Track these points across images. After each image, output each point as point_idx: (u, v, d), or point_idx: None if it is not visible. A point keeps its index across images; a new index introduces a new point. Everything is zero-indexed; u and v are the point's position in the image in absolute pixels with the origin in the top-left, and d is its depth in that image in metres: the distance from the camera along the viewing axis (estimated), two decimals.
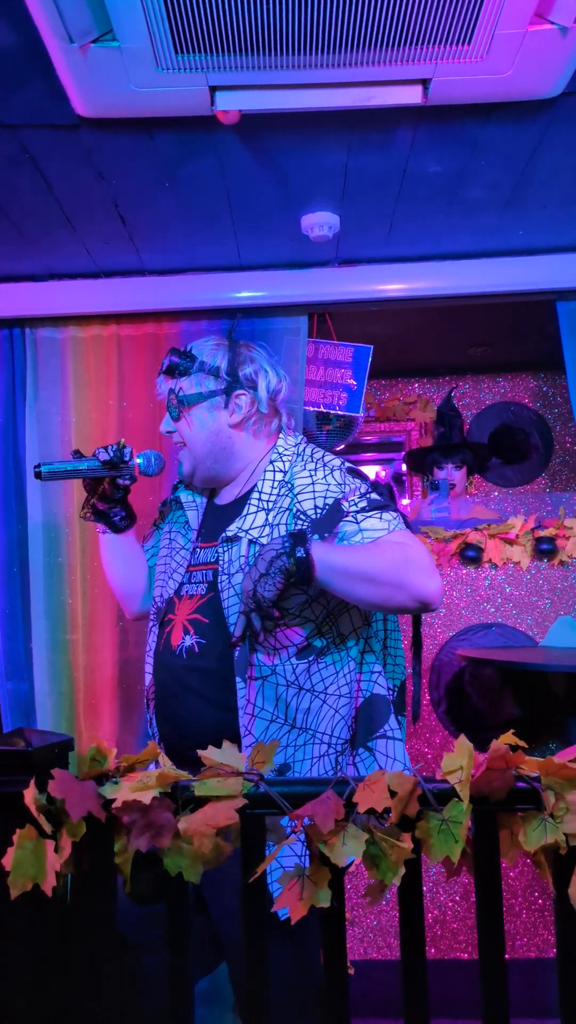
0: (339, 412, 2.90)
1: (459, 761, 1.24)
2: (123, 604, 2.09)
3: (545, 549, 2.82)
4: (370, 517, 1.67)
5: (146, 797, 1.21)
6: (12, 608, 2.85)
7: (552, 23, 1.61)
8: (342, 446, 3.24)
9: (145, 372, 2.88)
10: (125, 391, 2.88)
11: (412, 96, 1.79)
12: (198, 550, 1.83)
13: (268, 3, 1.52)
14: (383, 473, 5.63)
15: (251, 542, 1.69)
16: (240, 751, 1.29)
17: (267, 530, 1.69)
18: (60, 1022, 1.24)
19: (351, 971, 2.78)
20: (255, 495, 1.76)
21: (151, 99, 1.78)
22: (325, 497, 1.69)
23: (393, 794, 1.21)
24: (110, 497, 1.89)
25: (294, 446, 1.84)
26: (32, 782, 1.21)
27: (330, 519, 1.67)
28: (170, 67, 1.68)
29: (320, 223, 2.40)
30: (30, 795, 1.20)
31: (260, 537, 1.69)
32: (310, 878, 1.24)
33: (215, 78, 1.73)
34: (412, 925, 1.24)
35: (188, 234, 2.49)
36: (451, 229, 2.53)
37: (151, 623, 1.88)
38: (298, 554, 1.53)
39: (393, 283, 2.73)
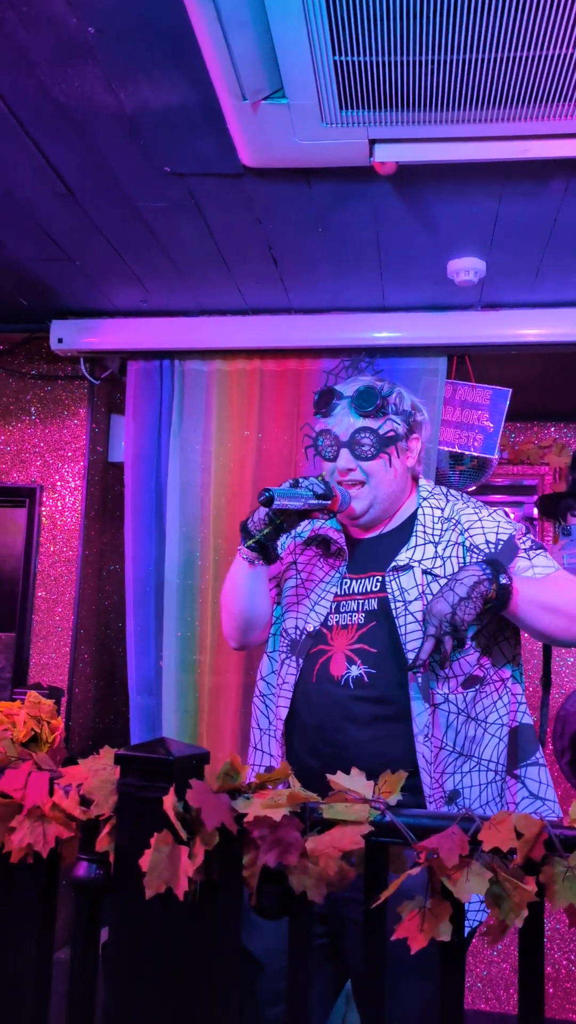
0: (475, 454, 2.92)
1: None
2: (239, 634, 2.02)
3: None
4: (540, 555, 1.80)
5: (277, 814, 1.26)
6: (146, 626, 2.98)
7: None
8: (474, 487, 3.24)
9: (285, 406, 2.98)
10: (264, 423, 2.98)
11: (567, 149, 1.82)
12: (347, 580, 1.86)
13: (429, 63, 1.59)
14: (512, 515, 5.57)
15: (425, 572, 1.76)
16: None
17: (438, 561, 1.79)
18: (179, 1019, 1.29)
19: None
20: (419, 528, 1.84)
21: (313, 151, 1.87)
22: (498, 533, 1.80)
23: (519, 835, 1.22)
24: (286, 528, 1.85)
25: (434, 487, 1.95)
26: (172, 790, 1.28)
27: (506, 553, 1.77)
28: (334, 122, 1.77)
29: (466, 268, 2.44)
30: (169, 802, 1.27)
31: (433, 568, 1.78)
32: (431, 911, 1.26)
33: (375, 132, 1.81)
34: (532, 968, 1.24)
35: (335, 276, 2.58)
36: None
37: (282, 655, 1.90)
38: (502, 580, 1.63)
39: (536, 328, 2.74)
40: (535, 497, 4.30)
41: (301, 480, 1.79)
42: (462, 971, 1.27)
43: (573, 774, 2.75)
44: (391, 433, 1.84)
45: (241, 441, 2.97)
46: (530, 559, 1.79)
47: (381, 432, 1.83)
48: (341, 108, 1.72)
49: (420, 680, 1.70)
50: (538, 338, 2.76)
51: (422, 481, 1.96)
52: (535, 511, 4.28)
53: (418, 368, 2.91)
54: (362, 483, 1.85)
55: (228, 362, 3.01)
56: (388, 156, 1.87)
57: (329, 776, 1.33)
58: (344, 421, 1.85)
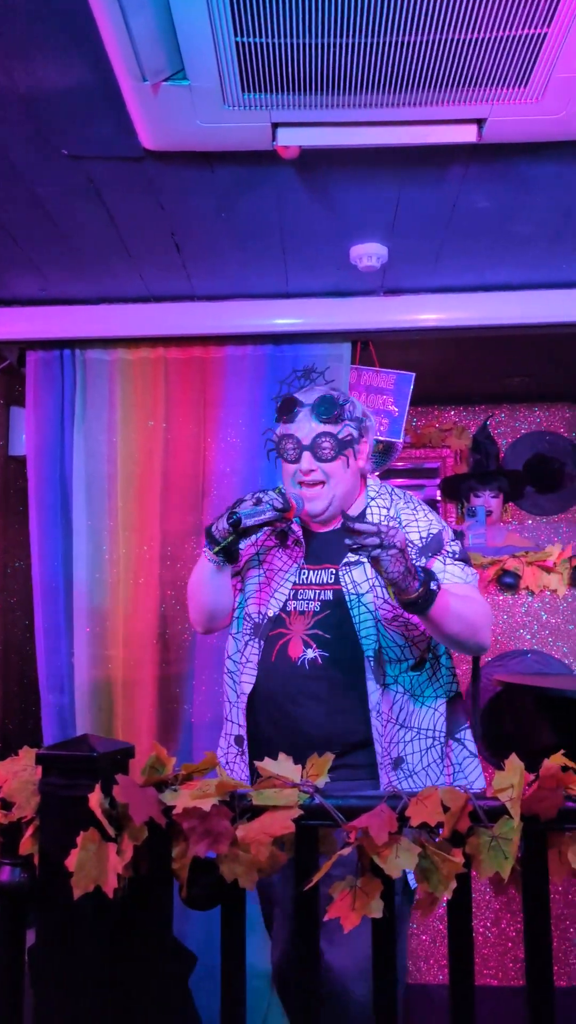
0: (380, 438, 2.95)
1: (510, 779, 1.27)
2: (206, 621, 2.19)
3: None
4: (457, 566, 1.98)
5: (206, 804, 1.25)
6: (55, 623, 2.91)
7: None
8: (379, 472, 3.29)
9: (190, 394, 2.95)
10: (170, 412, 2.95)
11: (467, 135, 1.85)
12: (304, 571, 2.05)
13: (332, 46, 1.59)
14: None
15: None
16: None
17: None
18: (113, 1019, 1.27)
19: None
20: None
21: (215, 134, 1.85)
22: (429, 529, 2.01)
23: (446, 809, 1.24)
24: (248, 536, 2.04)
25: (380, 486, 2.14)
26: (98, 787, 1.25)
27: (433, 546, 1.98)
28: (236, 104, 1.75)
29: (369, 254, 2.46)
30: (95, 799, 1.25)
31: None
32: (362, 889, 1.27)
33: (278, 115, 1.80)
34: (462, 936, 1.27)
35: (239, 262, 2.56)
36: (497, 262, 2.59)
37: (246, 637, 2.07)
38: (431, 586, 1.79)
39: (437, 313, 2.79)
40: (438, 480, 4.40)
41: (263, 496, 1.95)
42: (394, 946, 1.29)
43: (486, 747, 2.83)
44: (348, 437, 2.02)
45: (147, 431, 2.93)
46: (445, 564, 1.97)
47: (339, 436, 2.01)
48: (243, 91, 1.70)
49: (373, 663, 1.91)
50: (439, 323, 2.81)
51: (370, 480, 2.15)
52: (438, 493, 4.38)
53: (323, 354, 2.92)
54: (322, 483, 2.02)
55: (131, 351, 2.96)
56: (291, 140, 1.86)
57: (257, 763, 1.33)
58: (306, 426, 2.01)
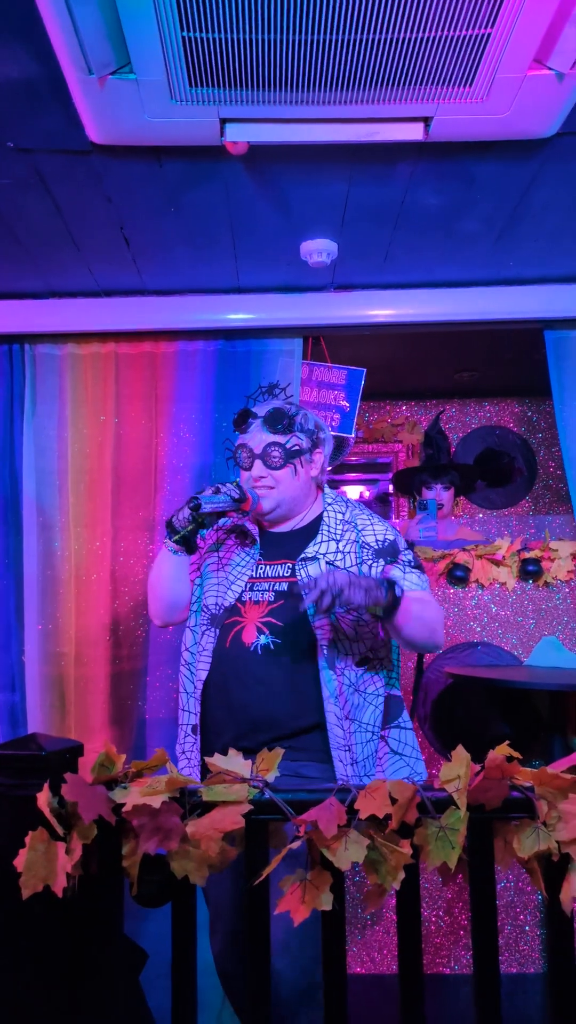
0: (332, 433, 2.96)
1: (457, 770, 1.29)
2: (165, 614, 2.28)
3: (531, 570, 2.89)
4: (414, 572, 2.12)
5: (156, 801, 1.25)
6: (5, 620, 2.88)
7: (550, 68, 1.70)
8: (331, 467, 3.30)
9: (142, 388, 2.94)
10: (121, 407, 2.93)
11: (414, 133, 1.87)
12: (261, 566, 2.15)
13: (279, 42, 1.59)
14: (367, 493, 5.70)
15: (328, 563, 2.08)
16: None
17: (339, 555, 2.10)
18: (65, 1018, 1.27)
19: None
20: (324, 528, 2.16)
21: (163, 129, 1.84)
22: (385, 534, 2.15)
23: (394, 801, 1.26)
24: (207, 526, 2.15)
25: (336, 497, 2.27)
26: (46, 785, 1.25)
27: (388, 551, 2.11)
28: (183, 99, 1.74)
29: (319, 250, 2.47)
30: (44, 798, 1.24)
31: (335, 560, 2.09)
32: (311, 882, 1.28)
33: (226, 111, 1.80)
34: (410, 926, 1.28)
35: (189, 257, 2.56)
36: (445, 259, 2.61)
37: (203, 627, 2.15)
38: (396, 592, 1.93)
39: (387, 309, 2.81)
40: (390, 474, 4.43)
41: (221, 487, 2.09)
42: (343, 938, 1.30)
43: (436, 739, 2.86)
44: (296, 447, 2.15)
45: (98, 426, 2.91)
46: (404, 572, 2.10)
47: (288, 446, 2.14)
48: (191, 85, 1.70)
49: (327, 653, 2.00)
50: (389, 319, 2.83)
51: (327, 489, 2.29)
52: (390, 487, 4.41)
53: (274, 350, 2.93)
54: (272, 488, 2.14)
55: (81, 345, 2.94)
56: (239, 136, 1.86)
57: (207, 759, 1.33)
58: (257, 437, 2.16)
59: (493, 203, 2.27)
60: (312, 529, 2.19)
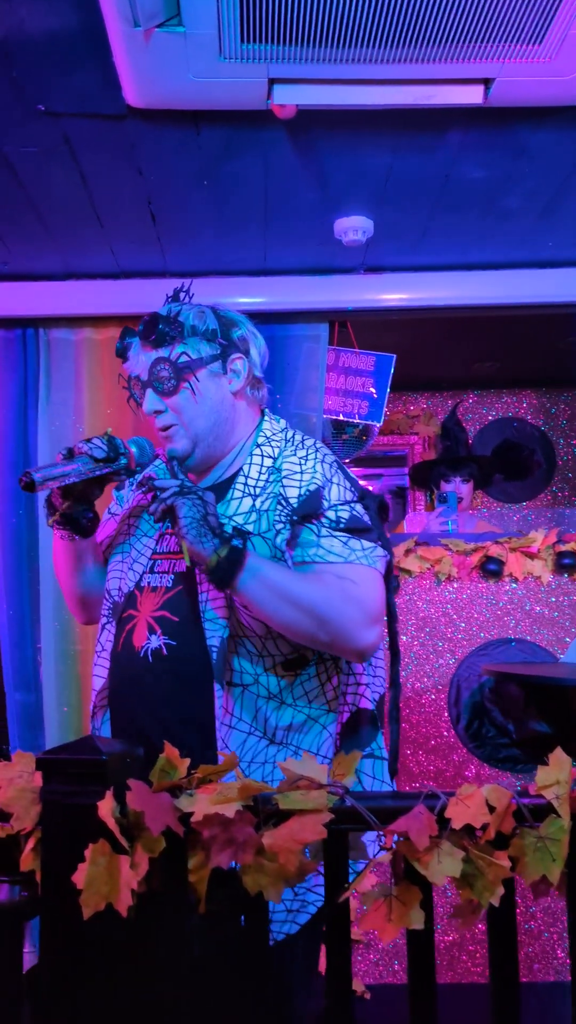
0: (359, 421, 2.86)
1: (555, 775, 1.19)
2: (81, 610, 1.78)
3: (567, 564, 2.79)
4: (335, 538, 1.48)
5: (229, 810, 1.14)
6: (20, 616, 2.76)
7: None
8: (350, 458, 3.20)
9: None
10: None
11: (473, 96, 1.77)
12: (164, 536, 1.61)
13: None
14: (371, 489, 5.61)
15: (236, 529, 1.49)
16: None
17: (253, 516, 1.52)
18: None
19: (367, 995, 2.70)
20: (240, 479, 1.57)
21: (207, 90, 1.73)
22: (312, 481, 1.51)
23: (491, 809, 1.15)
24: (87, 498, 1.56)
25: (281, 431, 1.65)
26: (109, 793, 1.13)
27: (308, 507, 1.49)
28: (233, 56, 1.63)
29: (354, 227, 2.36)
30: (107, 807, 1.13)
31: (246, 524, 1.51)
32: (398, 898, 1.17)
33: (275, 70, 1.68)
34: (506, 945, 1.18)
35: (216, 234, 2.44)
36: (482, 238, 2.51)
37: (104, 619, 1.65)
38: (234, 542, 1.40)
39: (419, 291, 2.71)
40: (405, 469, 4.33)
41: (81, 444, 1.50)
42: (432, 959, 1.19)
43: (469, 739, 2.76)
44: (184, 357, 1.55)
45: (120, 415, 2.79)
46: (318, 536, 1.48)
47: (173, 358, 1.55)
48: (242, 40, 1.59)
49: (217, 656, 1.46)
50: (421, 302, 2.72)
51: (267, 422, 1.66)
52: (407, 480, 4.31)
53: (299, 335, 2.82)
54: (171, 424, 1.56)
55: (98, 330, 2.82)
56: (287, 98, 1.75)
57: (280, 763, 1.22)
58: (139, 359, 1.59)
59: (540, 176, 2.17)
60: (231, 482, 1.60)
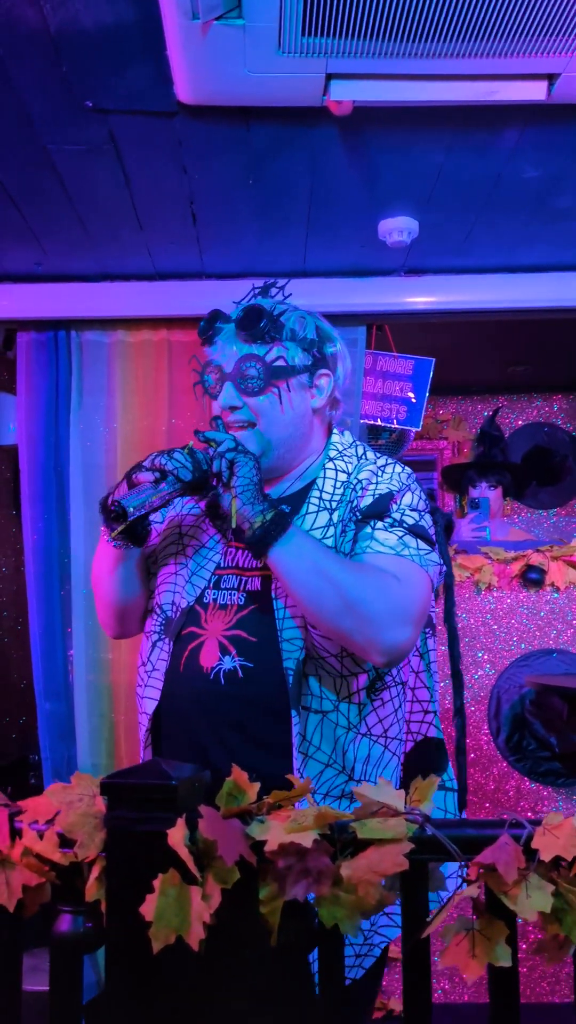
0: (398, 426, 2.80)
1: None
2: (116, 623, 1.69)
3: None
4: (391, 532, 1.41)
5: (306, 840, 1.08)
6: (51, 623, 2.71)
7: None
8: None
9: (196, 379, 2.77)
10: (175, 399, 2.76)
11: (536, 92, 1.70)
12: (232, 549, 1.53)
13: None
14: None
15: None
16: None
17: (331, 530, 1.46)
18: None
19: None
20: (315, 493, 1.51)
21: (263, 86, 1.67)
22: (383, 488, 1.47)
23: None
24: (153, 511, 1.46)
25: (351, 444, 1.60)
26: (181, 821, 1.08)
27: (377, 509, 1.44)
28: (292, 50, 1.57)
29: (399, 228, 2.30)
30: (179, 835, 1.07)
31: (324, 539, 1.45)
32: (481, 933, 1.11)
33: (334, 64, 1.62)
34: None
35: (257, 235, 2.39)
36: (527, 241, 2.45)
37: (155, 636, 1.55)
38: (281, 507, 1.38)
39: (462, 295, 2.65)
40: (434, 474, 4.27)
41: (162, 460, 1.40)
42: (517, 1000, 1.13)
43: (510, 752, 2.70)
44: (280, 361, 1.48)
45: (149, 419, 2.74)
46: (373, 528, 1.42)
47: (269, 360, 1.48)
48: (303, 33, 1.53)
49: (293, 680, 1.39)
50: (463, 305, 2.67)
51: (336, 435, 1.60)
52: (436, 484, 4.25)
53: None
54: (251, 424, 1.50)
55: (132, 332, 2.77)
56: (344, 94, 1.69)
57: (354, 788, 1.16)
58: (227, 349, 1.51)
59: None
60: (305, 495, 1.53)
